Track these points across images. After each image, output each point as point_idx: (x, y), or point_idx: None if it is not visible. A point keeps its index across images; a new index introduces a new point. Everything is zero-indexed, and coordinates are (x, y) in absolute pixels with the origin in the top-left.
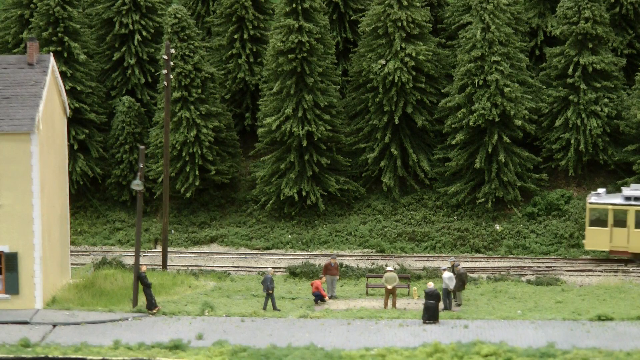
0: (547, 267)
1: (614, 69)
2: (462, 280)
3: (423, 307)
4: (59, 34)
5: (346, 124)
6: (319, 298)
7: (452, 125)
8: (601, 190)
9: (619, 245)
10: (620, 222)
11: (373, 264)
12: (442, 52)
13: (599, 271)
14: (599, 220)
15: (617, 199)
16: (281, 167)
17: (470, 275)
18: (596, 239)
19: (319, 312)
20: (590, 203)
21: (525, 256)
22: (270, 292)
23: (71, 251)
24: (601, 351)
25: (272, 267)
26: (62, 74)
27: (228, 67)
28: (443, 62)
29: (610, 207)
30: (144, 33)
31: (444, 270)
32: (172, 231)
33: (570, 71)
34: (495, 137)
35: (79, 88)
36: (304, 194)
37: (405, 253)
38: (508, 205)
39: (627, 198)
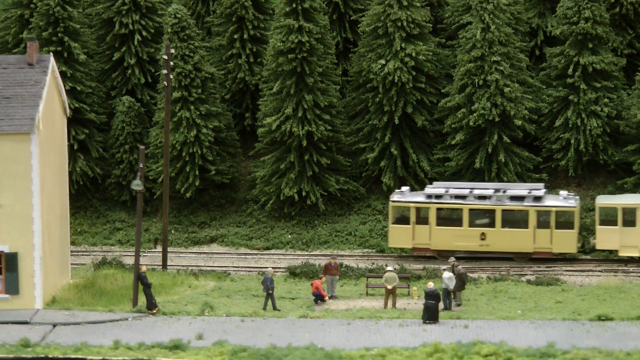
0: (547, 267)
1: (614, 69)
2: (462, 280)
3: (423, 307)
4: (59, 34)
5: (346, 124)
6: (319, 298)
7: (452, 125)
8: (405, 189)
9: (421, 243)
10: (422, 219)
11: (373, 264)
12: (442, 52)
13: (599, 271)
14: (402, 218)
15: (419, 197)
16: (281, 167)
17: (470, 275)
18: (400, 236)
19: (319, 312)
20: (393, 201)
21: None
22: (270, 292)
23: (71, 251)
24: (601, 351)
25: (272, 267)
26: (62, 74)
27: (228, 67)
28: (443, 62)
29: (412, 205)
30: (144, 33)
31: (444, 270)
32: (172, 231)
33: (570, 71)
34: (495, 137)
35: (79, 88)
36: (304, 194)
37: (405, 253)
38: None
39: (429, 196)
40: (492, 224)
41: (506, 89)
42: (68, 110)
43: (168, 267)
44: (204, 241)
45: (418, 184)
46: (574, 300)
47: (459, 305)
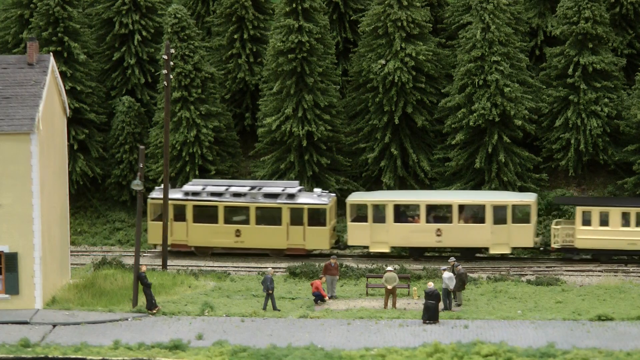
0: (547, 267)
1: (614, 69)
2: (462, 280)
3: (423, 307)
4: (59, 34)
5: (346, 124)
6: (319, 298)
7: (452, 125)
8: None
9: (179, 239)
10: (180, 216)
11: (373, 264)
12: (442, 52)
13: (599, 271)
14: (161, 215)
15: (177, 194)
16: (281, 167)
17: (470, 275)
18: (158, 233)
19: (319, 312)
20: (151, 199)
21: (526, 256)
22: (270, 292)
23: (71, 251)
24: (601, 351)
25: (272, 267)
26: (62, 74)
27: (228, 67)
28: (443, 62)
29: (170, 202)
30: (144, 33)
31: (444, 270)
32: None
33: (570, 71)
34: (495, 137)
35: (79, 88)
36: None
37: (405, 253)
38: None
39: (186, 193)
40: (247, 221)
41: (506, 89)
42: (68, 110)
43: (168, 267)
44: None
45: (418, 184)
46: (574, 300)
47: (459, 305)
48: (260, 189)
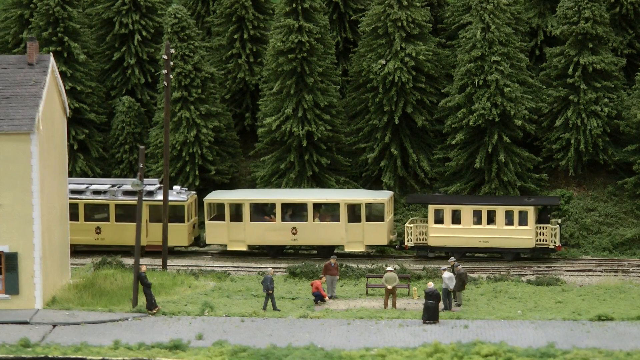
0: (547, 267)
1: (614, 69)
2: (462, 280)
3: (423, 307)
4: (59, 34)
5: (346, 124)
6: (319, 298)
7: (452, 125)
8: None
9: None
10: None
11: (373, 264)
12: (442, 52)
13: (599, 271)
14: None
15: None
16: (281, 167)
17: (470, 275)
18: None
19: (319, 312)
20: None
21: (526, 256)
22: (270, 292)
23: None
24: (601, 351)
25: (272, 267)
26: (62, 74)
27: (228, 67)
28: (443, 62)
29: None
30: (144, 33)
31: (444, 270)
32: None
33: (570, 71)
34: (495, 137)
35: (79, 88)
36: None
37: (405, 253)
38: None
39: None
40: (107, 219)
41: (506, 89)
42: (68, 110)
43: (168, 267)
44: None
45: (418, 184)
46: (574, 300)
47: (459, 305)
48: (120, 186)
